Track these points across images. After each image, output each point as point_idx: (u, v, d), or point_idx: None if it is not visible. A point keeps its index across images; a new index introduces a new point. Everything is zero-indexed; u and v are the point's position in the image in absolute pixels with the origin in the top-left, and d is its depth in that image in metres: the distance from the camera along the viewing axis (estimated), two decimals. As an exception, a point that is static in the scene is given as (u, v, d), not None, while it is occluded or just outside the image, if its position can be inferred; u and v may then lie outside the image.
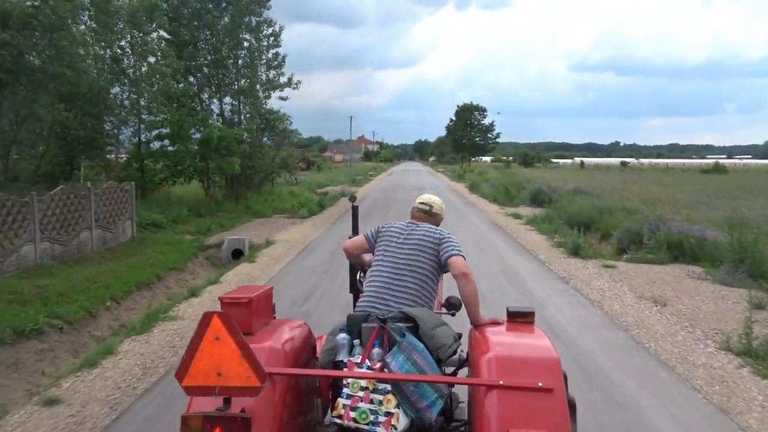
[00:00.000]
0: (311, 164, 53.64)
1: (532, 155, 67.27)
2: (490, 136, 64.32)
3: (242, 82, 20.08)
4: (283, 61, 21.01)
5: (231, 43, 19.48)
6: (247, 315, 2.57)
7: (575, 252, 10.86)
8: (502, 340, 2.52)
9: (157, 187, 16.78)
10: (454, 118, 66.07)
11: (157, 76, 16.38)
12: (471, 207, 20.88)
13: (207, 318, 2.01)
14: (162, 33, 17.97)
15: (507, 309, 2.75)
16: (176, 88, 16.94)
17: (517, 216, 17.31)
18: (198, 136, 17.27)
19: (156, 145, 17.47)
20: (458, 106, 65.04)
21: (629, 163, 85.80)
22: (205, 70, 19.15)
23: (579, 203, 16.78)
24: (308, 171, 51.32)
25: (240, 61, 20.34)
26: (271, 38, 20.77)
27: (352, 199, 4.48)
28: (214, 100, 20.00)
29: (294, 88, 21.44)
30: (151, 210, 14.40)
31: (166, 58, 16.45)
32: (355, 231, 3.91)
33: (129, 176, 16.20)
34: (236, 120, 20.44)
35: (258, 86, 20.56)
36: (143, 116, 16.39)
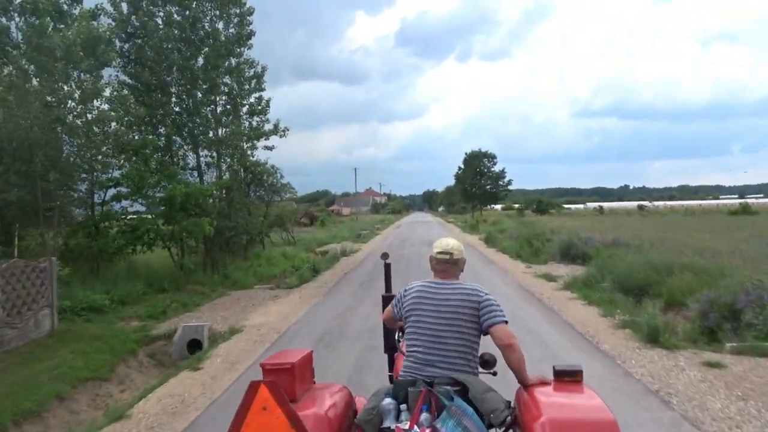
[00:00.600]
0: (314, 219, 50.97)
1: (546, 202, 64.31)
2: (501, 183, 61.51)
3: (221, 131, 17.44)
4: (268, 106, 18.46)
5: (206, 87, 16.98)
6: (290, 381, 2.55)
7: (653, 338, 7.70)
8: (553, 401, 2.39)
9: (113, 257, 13.89)
10: (462, 166, 63.57)
11: (113, 124, 13.79)
12: (492, 266, 17.77)
13: (254, 387, 2.05)
14: (123, 76, 15.52)
15: (554, 368, 2.62)
16: (134, 139, 14.29)
17: (550, 278, 14.20)
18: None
19: (118, 206, 14.70)
20: (466, 154, 62.67)
21: (646, 206, 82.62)
22: (176, 117, 16.54)
23: (626, 260, 13.67)
24: (311, 227, 48.61)
25: (218, 108, 17.79)
26: (254, 81, 18.28)
27: (385, 256, 4.16)
28: (189, 152, 17.32)
29: (281, 136, 18.82)
30: (95, 289, 11.44)
31: (123, 103, 13.89)
32: (388, 288, 3.87)
33: (79, 246, 13.38)
34: (216, 174, 17.72)
35: (240, 135, 17.93)
36: (96, 172, 13.69)
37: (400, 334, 3.43)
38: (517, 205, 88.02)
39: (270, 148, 19.01)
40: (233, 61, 17.69)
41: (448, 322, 2.72)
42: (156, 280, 13.38)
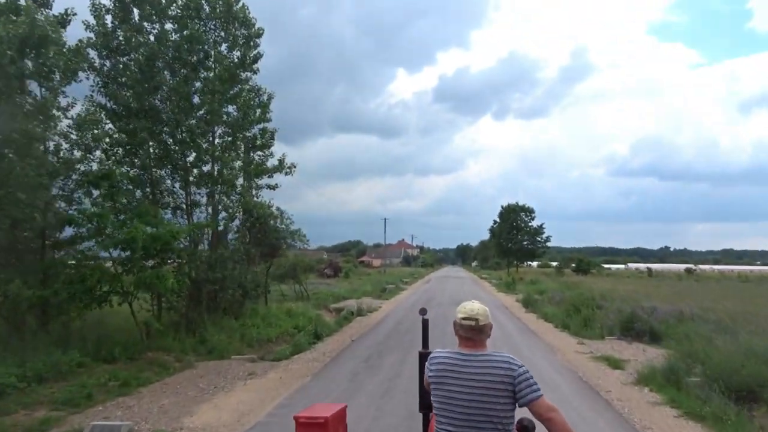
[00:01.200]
0: (339, 271, 48.06)
1: (587, 261, 60.12)
2: (539, 239, 57.85)
3: (217, 165, 14.87)
4: (272, 139, 15.92)
5: (202, 114, 14.58)
6: None
7: None
8: None
9: (60, 313, 11.14)
10: (498, 219, 60.27)
11: (76, 152, 11.37)
12: (534, 339, 14.39)
13: None
14: (100, 97, 13.21)
15: None
16: (93, 170, 11.78)
17: (614, 363, 10.80)
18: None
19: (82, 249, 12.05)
20: (503, 207, 59.50)
21: (694, 269, 77.27)
22: (159, 148, 14.03)
23: (718, 346, 10.26)
24: (334, 278, 45.70)
25: (216, 140, 15.32)
26: (258, 110, 15.83)
27: (423, 311, 3.97)
28: (178, 189, 14.74)
29: (287, 173, 16.20)
30: (9, 364, 8.63)
31: (91, 126, 11.49)
32: (425, 345, 3.76)
33: (18, 297, 10.69)
34: (208, 216, 15.07)
35: (239, 170, 15.37)
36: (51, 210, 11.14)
37: None
38: (554, 264, 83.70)
39: (273, 188, 16.35)
40: (236, 87, 15.31)
41: (479, 399, 2.57)
42: (106, 345, 10.54)
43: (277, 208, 17.60)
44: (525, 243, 57.65)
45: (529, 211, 58.14)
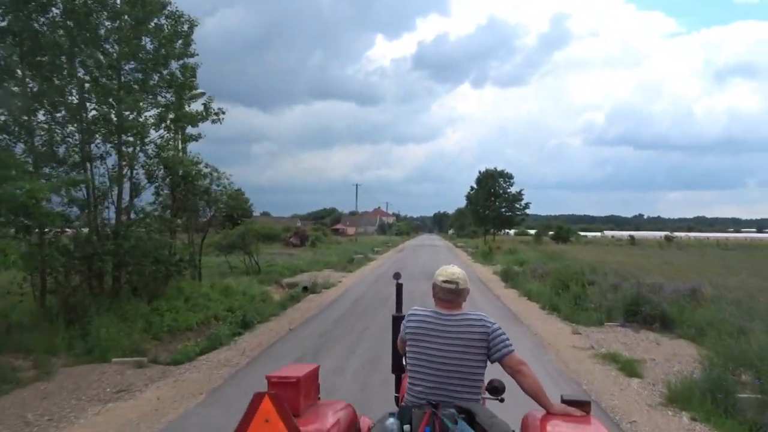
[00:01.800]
0: (305, 239, 45.05)
1: (566, 229, 57.90)
2: (517, 206, 55.22)
3: (118, 109, 11.55)
4: (193, 77, 12.66)
5: (109, 46, 11.25)
6: (295, 395, 2.56)
7: None
8: (558, 431, 2.41)
9: None
10: (475, 186, 57.36)
11: None
12: (518, 327, 11.52)
13: (257, 398, 2.02)
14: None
15: (562, 397, 2.71)
16: None
17: (627, 366, 7.96)
18: None
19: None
20: (480, 173, 56.51)
21: (674, 237, 75.96)
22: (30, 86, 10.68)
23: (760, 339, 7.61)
24: (301, 248, 42.73)
25: (123, 77, 11.99)
26: (180, 41, 12.53)
27: (397, 276, 4.05)
28: (71, 138, 11.44)
29: (214, 121, 13.01)
30: None
31: None
32: (399, 308, 3.83)
33: None
34: (114, 173, 11.85)
35: (150, 117, 12.13)
36: None
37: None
38: (532, 231, 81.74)
39: (196, 138, 13.19)
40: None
41: (454, 355, 2.69)
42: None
43: (208, 166, 14.37)
44: (503, 210, 55.03)
45: (508, 177, 55.41)
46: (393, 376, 3.86)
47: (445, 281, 2.83)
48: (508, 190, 55.57)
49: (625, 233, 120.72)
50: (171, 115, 12.44)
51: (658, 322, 10.88)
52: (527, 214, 57.28)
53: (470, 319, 2.74)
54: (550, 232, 64.31)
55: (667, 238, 73.37)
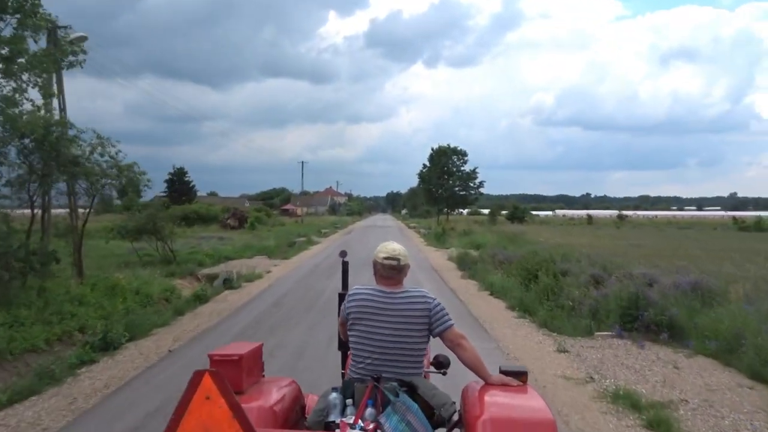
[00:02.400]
0: (244, 221, 41.37)
1: (522, 208, 55.95)
2: (471, 185, 52.75)
3: None
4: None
5: None
6: (237, 373, 2.57)
7: None
8: (496, 400, 2.49)
9: None
10: (428, 163, 54.56)
11: None
12: (486, 343, 8.60)
13: (198, 376, 1.99)
14: None
15: (500, 368, 2.78)
16: None
17: (660, 424, 5.15)
18: None
19: None
20: (433, 149, 53.60)
21: (627, 216, 75.66)
22: None
23: None
24: (239, 230, 39.11)
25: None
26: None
27: (343, 254, 4.04)
28: None
29: (71, 65, 9.52)
30: None
31: None
32: (345, 286, 3.90)
33: None
34: None
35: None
36: None
37: None
38: (485, 211, 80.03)
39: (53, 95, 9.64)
40: None
41: (397, 331, 2.72)
42: None
43: (71, 125, 10.80)
44: (456, 189, 52.44)
45: (462, 154, 52.65)
46: None
47: (387, 257, 2.84)
48: (462, 168, 53.03)
49: (576, 212, 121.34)
50: (3, 51, 8.86)
51: (665, 332, 8.21)
52: (481, 193, 54.97)
53: (412, 296, 2.79)
54: (504, 212, 62.57)
55: (619, 216, 72.97)
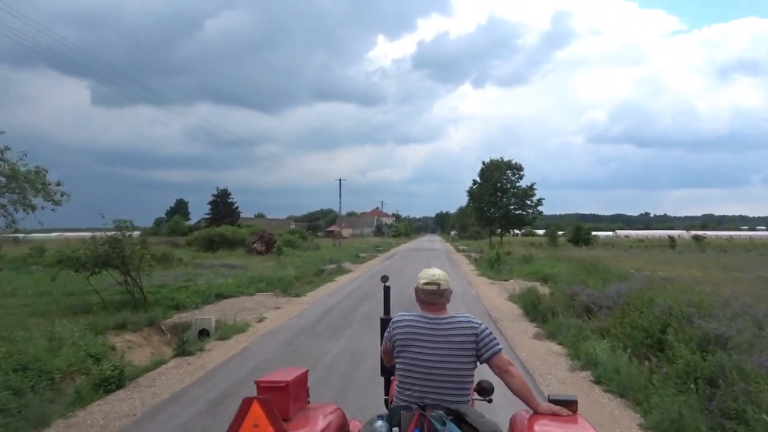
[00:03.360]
0: (272, 245, 37.09)
1: (586, 229, 49.73)
2: (529, 203, 46.99)
3: None
4: None
5: None
6: (284, 399, 2.57)
7: None
8: (546, 430, 2.45)
9: None
10: (478, 179, 49.18)
11: None
12: None
13: (246, 404, 2.06)
14: None
15: (549, 397, 2.72)
16: None
17: None
18: None
19: None
20: (484, 164, 48.24)
21: (704, 237, 67.91)
22: None
23: None
24: (264, 255, 34.86)
25: None
26: None
27: (384, 278, 4.17)
28: None
29: None
30: None
31: None
32: (387, 311, 3.90)
33: None
34: None
35: None
36: None
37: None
38: (540, 232, 73.69)
39: None
40: None
41: (444, 358, 2.70)
42: None
43: None
44: (511, 207, 46.77)
45: (517, 169, 47.06)
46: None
47: (427, 283, 2.85)
48: (517, 184, 47.37)
49: (640, 233, 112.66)
50: None
51: None
52: (540, 213, 48.83)
53: (458, 321, 2.78)
54: (560, 232, 56.33)
55: (695, 238, 65.31)
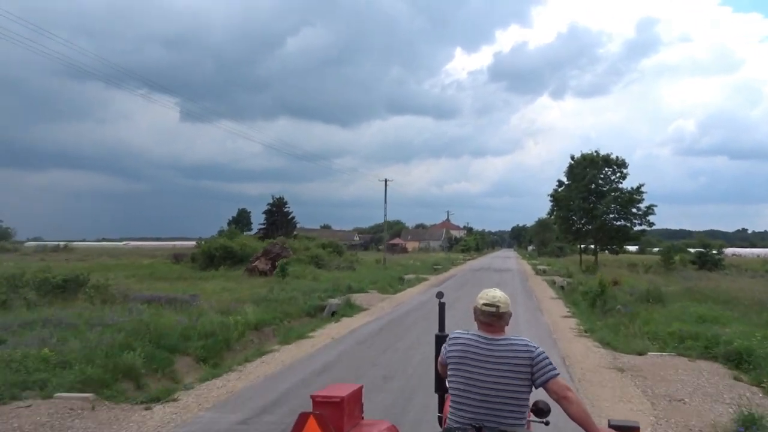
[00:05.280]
0: (274, 259, 27.44)
1: (717, 245, 36.92)
2: (635, 210, 34.97)
3: None
4: None
5: None
6: (339, 415, 2.59)
7: None
8: None
9: None
10: (565, 179, 37.66)
11: None
12: None
13: (303, 418, 2.18)
14: None
15: (609, 422, 2.71)
16: None
17: None
18: None
19: None
20: (573, 159, 36.72)
21: None
22: None
23: None
24: (268, 275, 25.53)
25: None
26: None
27: (440, 295, 3.92)
28: None
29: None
30: None
31: None
32: (442, 328, 3.82)
33: None
34: None
35: None
36: None
37: None
38: (632, 248, 60.67)
39: None
40: None
41: (498, 380, 2.69)
42: None
43: None
44: (612, 216, 34.97)
45: (619, 165, 35.29)
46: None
47: (486, 304, 2.82)
48: (619, 185, 35.49)
49: (750, 251, 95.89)
50: None
51: None
52: (652, 224, 35.97)
53: (514, 344, 2.74)
54: (657, 249, 43.57)
55: None
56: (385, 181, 45.10)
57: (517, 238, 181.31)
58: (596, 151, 35.15)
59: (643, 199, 34.33)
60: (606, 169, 35.14)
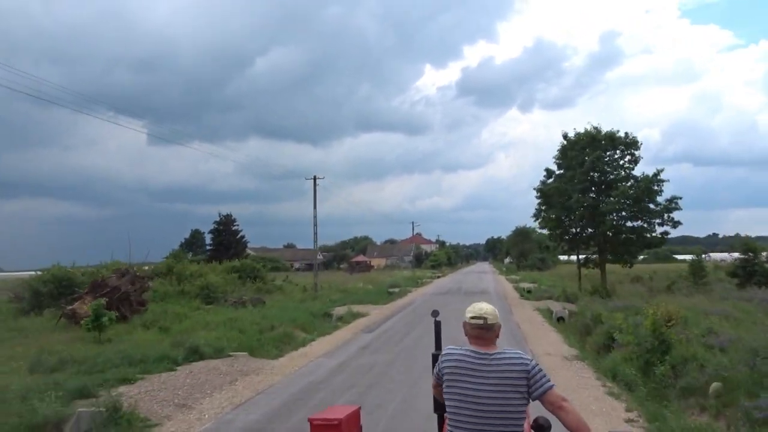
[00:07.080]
0: (121, 301, 17.19)
1: (760, 250, 28.00)
2: (653, 207, 25.49)
3: None
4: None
5: None
6: None
7: None
8: None
9: None
10: (556, 167, 27.99)
11: None
12: None
13: None
14: None
15: None
16: None
17: None
18: None
19: None
20: (566, 139, 27.04)
21: None
22: None
23: None
24: (78, 325, 15.25)
25: None
26: None
27: (435, 313, 3.92)
28: None
29: None
30: None
31: None
32: (438, 347, 3.76)
33: None
34: None
35: None
36: None
37: None
38: (638, 256, 51.57)
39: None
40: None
41: (493, 394, 2.62)
42: None
43: None
44: (624, 215, 25.44)
45: (628, 145, 25.90)
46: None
47: (473, 317, 2.76)
48: (632, 172, 26.07)
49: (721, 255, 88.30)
50: None
51: None
52: (676, 224, 26.55)
53: (508, 357, 2.67)
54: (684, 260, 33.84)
55: None
56: (314, 178, 35.63)
57: (492, 250, 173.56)
58: (596, 127, 25.84)
59: (662, 190, 24.97)
60: (610, 151, 25.73)
